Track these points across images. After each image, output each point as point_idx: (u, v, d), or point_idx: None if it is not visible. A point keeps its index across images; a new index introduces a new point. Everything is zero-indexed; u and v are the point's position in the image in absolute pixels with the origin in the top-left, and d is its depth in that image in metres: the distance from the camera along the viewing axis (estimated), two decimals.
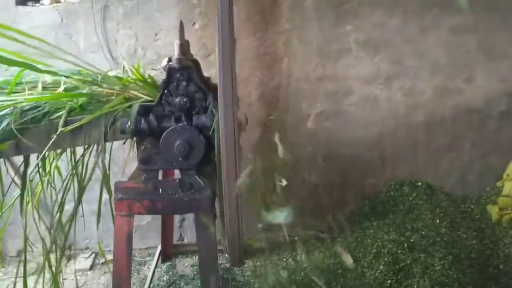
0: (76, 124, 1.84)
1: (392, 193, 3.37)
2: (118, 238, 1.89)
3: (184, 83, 1.89)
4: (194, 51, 2.93)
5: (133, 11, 3.10)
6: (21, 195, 2.03)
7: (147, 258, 3.35)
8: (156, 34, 3.14)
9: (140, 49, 3.15)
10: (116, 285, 1.88)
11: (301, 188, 3.39)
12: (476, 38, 3.21)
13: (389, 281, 2.66)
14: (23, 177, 2.09)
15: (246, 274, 3.06)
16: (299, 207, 3.34)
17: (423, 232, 2.95)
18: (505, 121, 3.34)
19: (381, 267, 2.74)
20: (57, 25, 3.10)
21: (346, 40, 3.20)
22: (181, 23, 2.08)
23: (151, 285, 2.96)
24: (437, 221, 3.06)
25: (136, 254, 3.40)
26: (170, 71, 1.90)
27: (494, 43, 3.22)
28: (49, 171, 2.19)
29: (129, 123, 1.85)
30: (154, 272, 2.98)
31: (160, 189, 1.90)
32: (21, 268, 3.21)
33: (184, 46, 2.05)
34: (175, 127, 1.82)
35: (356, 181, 3.43)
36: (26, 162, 2.14)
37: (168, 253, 3.25)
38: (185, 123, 1.85)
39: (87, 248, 3.49)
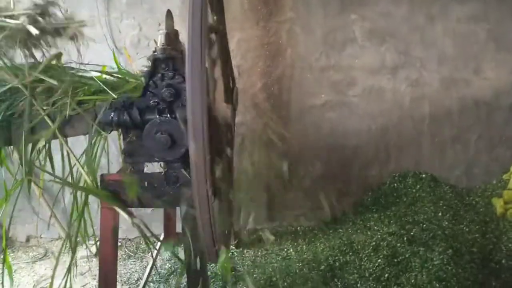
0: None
1: (395, 184, 3.34)
2: (103, 231, 1.88)
3: (169, 74, 1.82)
4: None
5: (136, 1, 3.10)
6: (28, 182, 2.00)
7: (151, 246, 3.39)
8: (159, 24, 3.13)
9: (144, 39, 3.15)
10: (102, 278, 1.89)
11: (305, 179, 3.38)
12: (485, 27, 3.14)
13: (386, 275, 2.64)
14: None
15: (246, 263, 3.09)
16: (303, 197, 3.37)
17: (424, 225, 2.92)
18: None
19: (379, 260, 2.72)
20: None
21: (351, 29, 3.17)
22: (168, 12, 2.03)
23: (152, 273, 3.01)
24: (440, 213, 3.03)
25: (141, 242, 3.46)
26: (154, 61, 1.83)
27: (504, 33, 3.15)
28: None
29: (112, 115, 1.83)
30: (155, 260, 3.02)
31: (146, 182, 1.87)
32: (30, 254, 3.37)
33: (171, 36, 2.00)
34: (158, 119, 1.78)
35: (359, 172, 3.41)
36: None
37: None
38: (169, 115, 1.79)
39: (92, 235, 3.55)
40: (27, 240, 3.53)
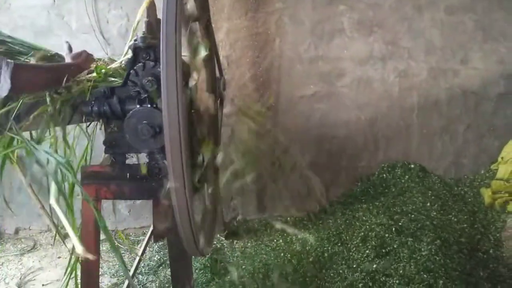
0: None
1: (384, 175, 3.35)
2: (85, 224, 1.83)
3: (150, 63, 1.75)
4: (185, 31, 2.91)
5: None
6: None
7: (141, 238, 3.40)
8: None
9: (131, 30, 3.11)
10: (84, 271, 1.87)
11: (294, 170, 3.38)
12: (473, 18, 3.14)
13: (374, 266, 2.64)
14: None
15: (235, 255, 3.09)
16: (292, 188, 3.36)
17: (413, 216, 2.92)
18: (501, 104, 3.27)
19: (368, 251, 2.73)
20: (49, 6, 3.09)
21: (339, 20, 3.16)
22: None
23: (142, 265, 3.01)
24: (428, 204, 3.03)
25: (131, 233, 3.46)
26: (135, 50, 1.76)
27: (492, 24, 3.14)
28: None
29: (92, 105, 1.78)
30: (143, 252, 3.01)
31: (128, 174, 1.82)
32: (18, 246, 3.36)
33: (153, 24, 1.96)
34: (139, 109, 1.72)
35: (348, 163, 3.41)
36: None
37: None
38: (150, 105, 1.73)
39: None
40: (16, 232, 3.52)
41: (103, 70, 1.89)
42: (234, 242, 3.24)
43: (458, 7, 3.11)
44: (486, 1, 3.10)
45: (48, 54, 2.09)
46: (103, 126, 1.88)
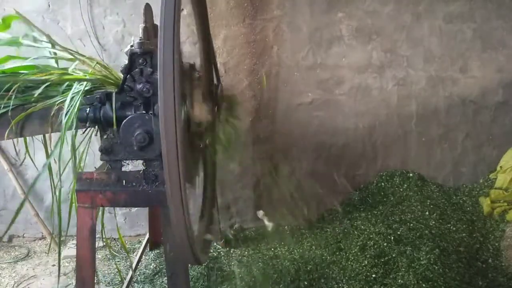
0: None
1: (382, 184, 3.33)
2: (80, 231, 1.81)
3: (147, 69, 1.76)
4: (183, 38, 2.89)
5: None
6: None
7: (136, 245, 3.35)
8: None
9: (127, 36, 3.09)
10: (79, 280, 1.84)
11: (292, 178, 3.35)
12: (471, 26, 3.14)
13: (373, 275, 2.62)
14: None
15: (232, 263, 3.05)
16: (290, 196, 3.33)
17: (411, 225, 2.91)
18: (500, 112, 3.27)
19: (366, 260, 2.71)
20: (43, 11, 3.06)
21: (337, 28, 3.14)
22: (146, 5, 1.97)
23: (137, 273, 2.97)
24: (427, 213, 3.03)
25: (126, 241, 3.41)
26: (132, 56, 1.77)
27: (491, 32, 3.14)
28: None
29: (88, 111, 1.77)
30: (139, 260, 2.97)
31: (124, 181, 1.81)
32: (12, 254, 3.32)
33: (150, 30, 1.94)
34: (135, 116, 1.72)
35: (347, 171, 3.38)
36: None
37: (157, 240, 3.23)
38: (147, 111, 1.75)
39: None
40: (10, 239, 3.47)
41: None
42: (231, 251, 3.20)
43: (457, 15, 3.10)
44: (485, 10, 3.10)
45: None
46: (98, 132, 1.85)
